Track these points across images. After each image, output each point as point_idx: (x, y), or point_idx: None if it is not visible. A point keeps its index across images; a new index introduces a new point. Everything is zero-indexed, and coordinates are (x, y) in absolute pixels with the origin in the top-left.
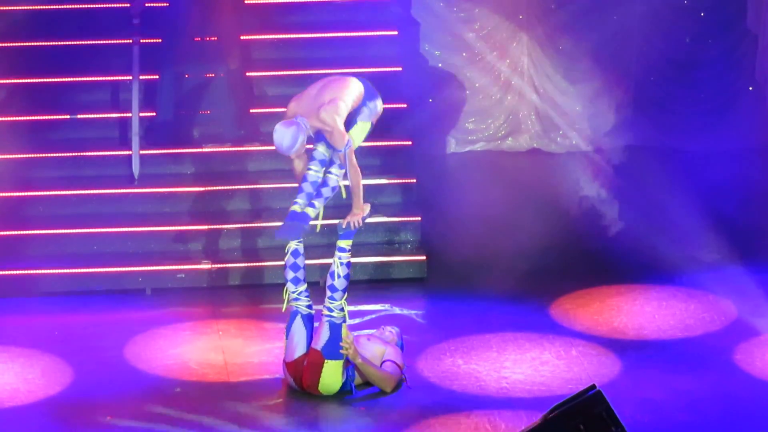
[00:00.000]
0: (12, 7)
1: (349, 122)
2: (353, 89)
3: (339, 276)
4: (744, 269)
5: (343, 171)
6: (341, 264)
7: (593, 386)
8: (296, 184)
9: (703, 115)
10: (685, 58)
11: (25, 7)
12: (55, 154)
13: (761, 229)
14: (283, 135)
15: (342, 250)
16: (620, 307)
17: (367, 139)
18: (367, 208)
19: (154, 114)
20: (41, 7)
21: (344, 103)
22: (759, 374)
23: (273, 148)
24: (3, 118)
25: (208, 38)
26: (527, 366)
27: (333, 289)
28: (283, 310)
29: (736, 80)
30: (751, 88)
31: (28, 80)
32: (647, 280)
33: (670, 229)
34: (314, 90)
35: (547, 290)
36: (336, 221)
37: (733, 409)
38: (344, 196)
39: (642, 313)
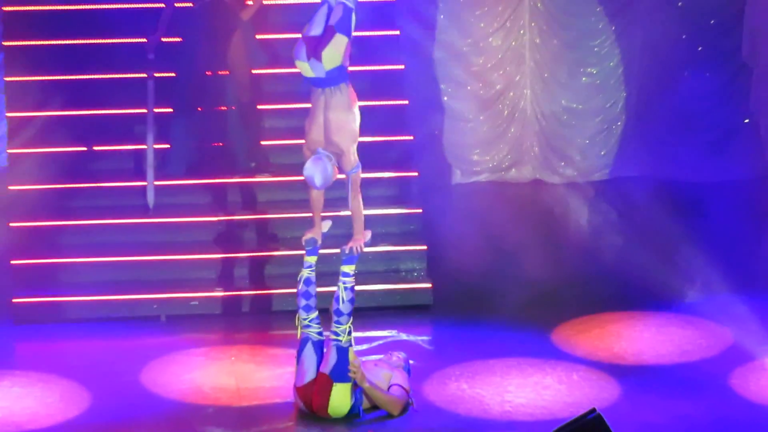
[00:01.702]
0: (29, 42)
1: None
2: (352, 109)
3: (344, 300)
4: (739, 297)
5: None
6: (345, 289)
7: (593, 410)
8: (309, 214)
9: (701, 147)
10: (684, 90)
11: (43, 42)
12: (71, 185)
13: (757, 257)
14: (313, 172)
15: (346, 275)
16: (620, 333)
17: (375, 171)
18: (368, 234)
19: (169, 146)
20: (61, 42)
21: (354, 129)
22: (754, 398)
23: (284, 179)
24: (17, 150)
25: (220, 72)
26: (530, 390)
27: (339, 313)
28: (298, 336)
29: (732, 112)
30: (747, 120)
31: (44, 113)
32: (645, 308)
33: (668, 257)
34: (319, 113)
35: (549, 317)
36: (339, 249)
37: None
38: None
39: (641, 339)
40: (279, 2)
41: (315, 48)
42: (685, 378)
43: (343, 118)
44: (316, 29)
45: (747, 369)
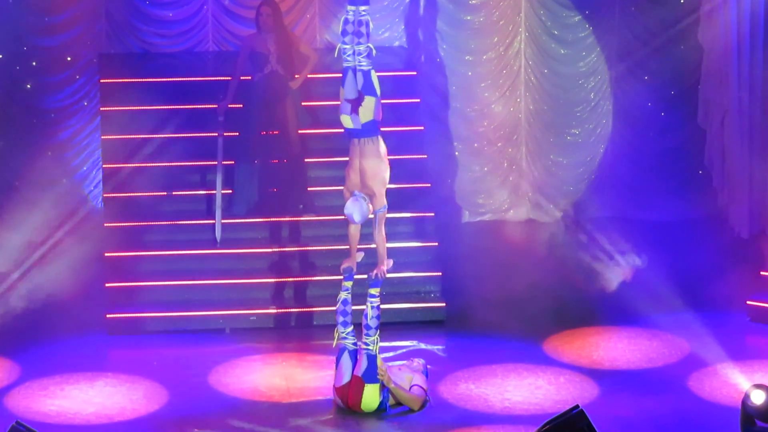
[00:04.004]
0: (121, 107)
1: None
2: (383, 159)
3: (371, 317)
4: (694, 314)
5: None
6: (372, 307)
7: (577, 406)
8: (346, 247)
9: (663, 193)
10: (650, 147)
11: (131, 107)
12: (154, 223)
13: (707, 282)
14: (352, 210)
15: (372, 296)
16: (598, 344)
17: (400, 211)
18: (390, 262)
19: (232, 191)
20: (146, 107)
21: (385, 177)
22: (708, 397)
23: (325, 218)
24: (110, 195)
25: (274, 132)
26: (525, 390)
27: (368, 327)
28: (334, 345)
29: (689, 165)
30: (701, 172)
31: (132, 165)
32: (619, 323)
33: (637, 282)
34: (356, 160)
35: (541, 331)
36: (366, 276)
37: (687, 425)
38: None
39: (615, 348)
40: (320, 76)
41: (354, 106)
42: (651, 380)
43: (375, 167)
44: (352, 93)
45: (702, 373)
